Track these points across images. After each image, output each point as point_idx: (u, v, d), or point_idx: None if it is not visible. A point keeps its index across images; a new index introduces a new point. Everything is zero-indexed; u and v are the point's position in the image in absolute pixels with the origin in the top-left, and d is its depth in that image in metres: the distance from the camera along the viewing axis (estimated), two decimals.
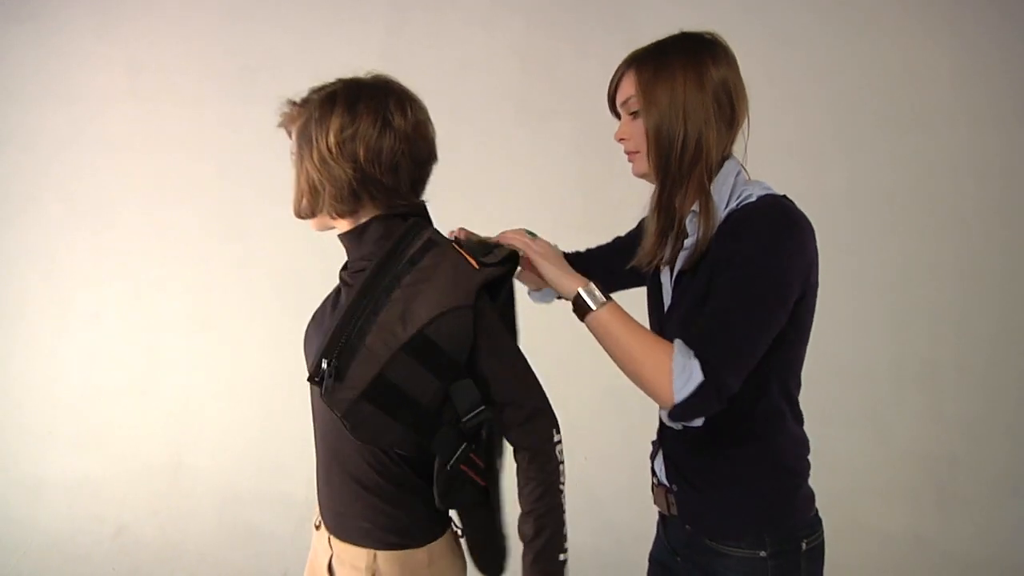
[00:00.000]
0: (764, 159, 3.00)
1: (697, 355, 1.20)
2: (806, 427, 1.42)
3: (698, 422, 1.25)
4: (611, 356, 1.30)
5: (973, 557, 2.91)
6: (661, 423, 1.48)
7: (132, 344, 3.23)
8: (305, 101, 1.34)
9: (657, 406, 1.30)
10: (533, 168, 3.09)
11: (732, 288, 1.23)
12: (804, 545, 1.37)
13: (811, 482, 1.43)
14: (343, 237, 1.39)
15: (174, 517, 3.13)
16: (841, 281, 3.01)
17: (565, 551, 1.29)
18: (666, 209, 1.36)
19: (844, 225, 3.00)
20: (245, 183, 3.18)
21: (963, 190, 2.97)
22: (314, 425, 1.42)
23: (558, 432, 1.33)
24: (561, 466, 1.32)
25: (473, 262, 1.30)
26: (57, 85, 3.25)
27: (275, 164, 3.12)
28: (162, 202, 3.22)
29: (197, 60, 3.22)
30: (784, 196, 1.33)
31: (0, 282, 3.28)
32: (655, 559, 1.57)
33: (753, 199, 1.29)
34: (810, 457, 1.41)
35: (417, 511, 1.35)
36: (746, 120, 1.40)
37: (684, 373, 1.19)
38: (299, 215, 1.37)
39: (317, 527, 1.48)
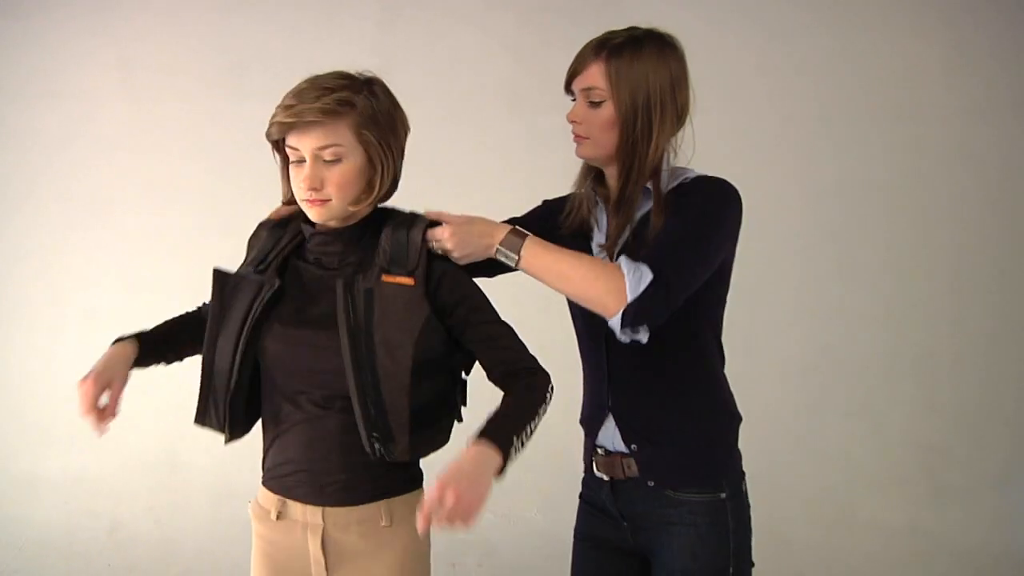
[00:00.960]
0: (756, 152, 3.02)
1: (646, 262, 1.30)
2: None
3: (644, 336, 1.31)
4: (555, 284, 1.38)
5: (967, 547, 2.92)
6: (602, 393, 1.54)
7: None
8: (362, 92, 1.36)
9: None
10: (525, 163, 3.09)
11: (681, 223, 1.36)
12: (744, 484, 1.52)
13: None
14: (343, 231, 1.42)
15: (170, 513, 3.13)
16: (834, 273, 3.02)
17: (524, 439, 1.34)
18: (629, 201, 1.44)
19: (837, 217, 3.01)
20: (239, 179, 3.17)
21: (956, 182, 2.98)
22: (276, 402, 1.45)
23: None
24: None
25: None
26: (50, 83, 3.24)
27: (269, 160, 3.13)
28: (156, 199, 3.22)
29: (190, 57, 3.21)
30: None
31: None
32: (585, 536, 1.63)
33: (690, 179, 1.44)
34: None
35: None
36: (690, 110, 1.51)
37: (636, 274, 1.28)
38: (354, 205, 1.39)
39: (279, 516, 1.45)
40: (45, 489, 3.19)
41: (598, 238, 1.53)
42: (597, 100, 1.43)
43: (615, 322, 1.30)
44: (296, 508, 1.44)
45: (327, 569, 1.43)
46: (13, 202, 3.26)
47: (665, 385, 1.48)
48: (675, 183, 1.44)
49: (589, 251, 1.51)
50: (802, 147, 3.02)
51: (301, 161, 1.36)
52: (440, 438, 1.46)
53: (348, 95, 1.33)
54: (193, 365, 3.29)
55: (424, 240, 1.40)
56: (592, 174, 1.56)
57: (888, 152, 2.99)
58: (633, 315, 1.28)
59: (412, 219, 1.44)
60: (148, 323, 3.35)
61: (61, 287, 3.26)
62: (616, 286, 1.29)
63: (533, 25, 3.09)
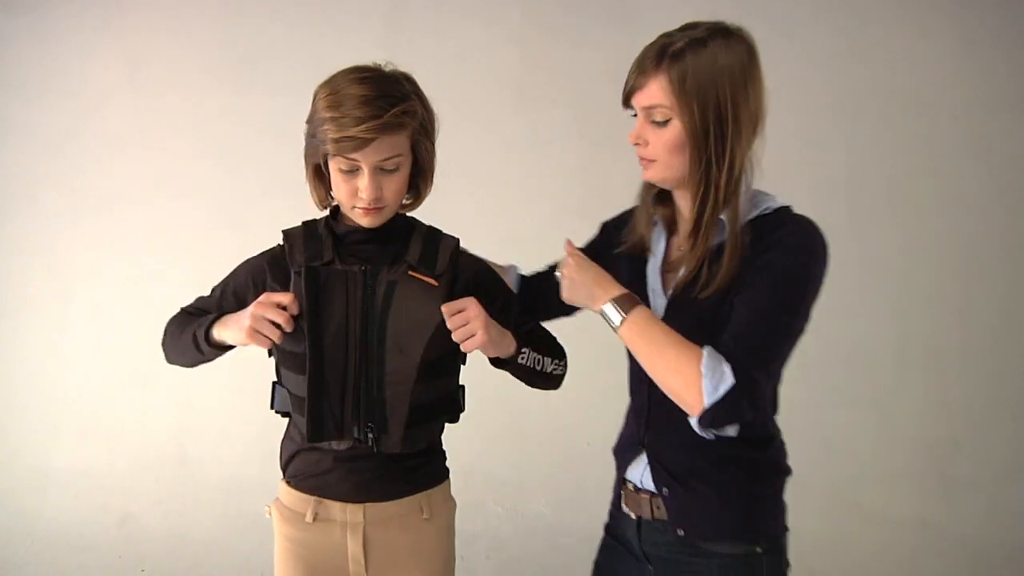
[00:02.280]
0: (765, 147, 3.00)
1: (728, 358, 1.17)
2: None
3: (731, 431, 1.23)
4: (641, 362, 1.27)
5: (977, 540, 2.92)
6: (639, 427, 1.41)
7: (135, 335, 3.24)
8: (417, 98, 1.36)
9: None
10: (532, 157, 3.08)
11: (767, 293, 1.20)
12: (787, 537, 1.38)
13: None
14: (379, 228, 1.41)
15: (179, 506, 3.14)
16: (843, 267, 2.99)
17: (533, 361, 1.45)
18: (705, 232, 1.27)
19: (846, 212, 3.00)
20: (245, 174, 3.18)
21: (964, 175, 2.97)
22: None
23: None
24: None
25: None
26: (57, 79, 3.25)
27: (275, 155, 3.13)
28: (163, 194, 3.22)
29: (196, 52, 3.21)
30: (791, 206, 1.32)
31: (2, 276, 3.28)
32: (605, 570, 1.51)
33: (771, 211, 1.28)
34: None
35: (441, 445, 1.54)
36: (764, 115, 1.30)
37: (715, 376, 1.16)
38: (401, 209, 1.44)
39: (315, 518, 1.46)
40: (55, 483, 3.21)
41: (654, 262, 1.39)
42: (661, 119, 1.24)
43: (693, 422, 1.20)
44: (335, 507, 1.44)
45: (366, 568, 1.44)
46: (20, 197, 3.27)
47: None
48: (755, 213, 1.27)
49: (643, 275, 1.39)
50: (810, 141, 3.01)
51: (354, 171, 1.32)
52: (432, 436, 1.48)
53: (410, 105, 1.31)
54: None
55: (455, 249, 1.43)
56: (655, 191, 1.39)
57: (896, 146, 2.98)
58: (711, 420, 1.18)
59: (441, 232, 1.47)
60: (154, 319, 3.35)
61: (68, 282, 3.27)
62: (694, 385, 1.17)
63: (540, 19, 3.08)
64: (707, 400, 1.16)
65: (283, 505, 1.51)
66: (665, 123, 1.24)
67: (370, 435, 1.36)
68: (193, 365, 1.54)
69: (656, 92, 1.23)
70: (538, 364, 1.45)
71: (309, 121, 1.36)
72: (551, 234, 3.03)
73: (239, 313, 1.38)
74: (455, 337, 1.33)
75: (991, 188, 2.96)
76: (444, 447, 1.55)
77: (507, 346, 1.39)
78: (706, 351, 1.18)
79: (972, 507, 2.96)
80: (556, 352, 1.51)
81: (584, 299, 1.34)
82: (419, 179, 1.42)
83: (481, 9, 3.11)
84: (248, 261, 1.50)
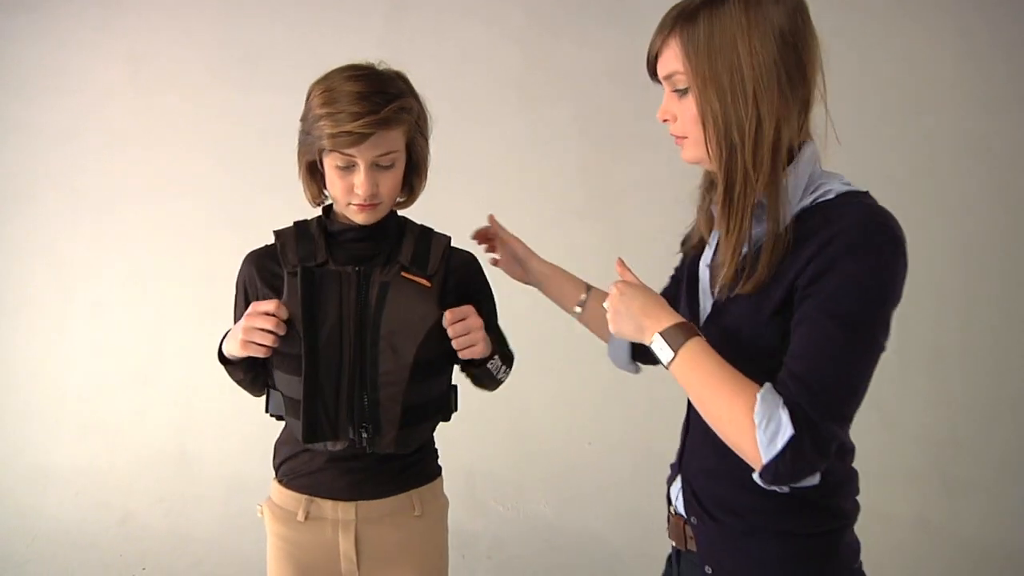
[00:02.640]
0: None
1: (786, 402, 0.98)
2: None
3: (811, 480, 1.01)
4: (694, 402, 1.10)
5: (978, 540, 2.92)
6: (681, 444, 1.27)
7: (136, 333, 3.24)
8: (411, 95, 1.38)
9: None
10: (534, 156, 3.08)
11: (829, 313, 0.99)
12: None
13: None
14: (373, 227, 1.42)
15: (180, 504, 3.15)
16: None
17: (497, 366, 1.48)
18: (735, 221, 1.07)
19: None
20: (246, 173, 3.18)
21: (965, 176, 2.97)
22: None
23: None
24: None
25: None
26: (57, 77, 3.25)
27: (276, 153, 3.12)
28: (164, 192, 3.22)
29: (197, 51, 3.21)
30: (866, 193, 1.11)
31: (3, 274, 3.28)
32: None
33: (831, 196, 1.08)
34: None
35: (433, 443, 1.56)
36: (821, 83, 1.12)
37: (770, 427, 0.97)
38: (395, 206, 1.46)
39: (307, 517, 1.45)
40: (56, 481, 3.21)
41: (706, 257, 1.22)
42: (682, 87, 1.09)
43: (756, 476, 1.01)
44: (326, 506, 1.45)
45: (358, 566, 1.45)
46: (21, 195, 3.27)
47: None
48: (807, 200, 1.08)
49: (697, 274, 1.24)
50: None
51: (350, 167, 1.33)
52: (424, 435, 1.49)
53: (406, 101, 1.33)
54: (201, 357, 3.31)
55: (447, 248, 1.45)
56: (710, 178, 1.22)
57: (897, 145, 2.97)
58: (773, 477, 0.99)
59: (433, 232, 1.49)
60: (156, 315, 3.34)
61: (69, 280, 3.27)
62: (749, 437, 0.99)
63: (541, 19, 3.08)
64: (764, 455, 0.97)
65: (275, 504, 1.51)
66: (686, 91, 1.08)
67: (364, 436, 1.37)
68: (252, 388, 1.52)
69: (671, 58, 1.08)
70: (496, 371, 1.47)
71: (303, 119, 1.36)
72: (552, 233, 3.04)
73: (236, 327, 1.39)
74: (455, 344, 1.35)
75: (992, 188, 2.95)
76: (441, 446, 1.57)
77: (486, 350, 1.41)
78: (760, 395, 0.99)
79: (973, 507, 2.96)
80: (508, 359, 1.54)
81: (632, 332, 1.15)
82: (413, 177, 1.43)
83: (482, 8, 3.10)
84: (239, 277, 1.51)
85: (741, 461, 1.03)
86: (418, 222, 1.50)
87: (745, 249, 1.08)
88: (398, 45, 3.07)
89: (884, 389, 3.02)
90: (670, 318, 1.11)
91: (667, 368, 1.10)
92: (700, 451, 1.19)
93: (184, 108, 3.21)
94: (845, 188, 1.10)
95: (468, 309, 1.37)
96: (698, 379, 1.06)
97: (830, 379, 0.98)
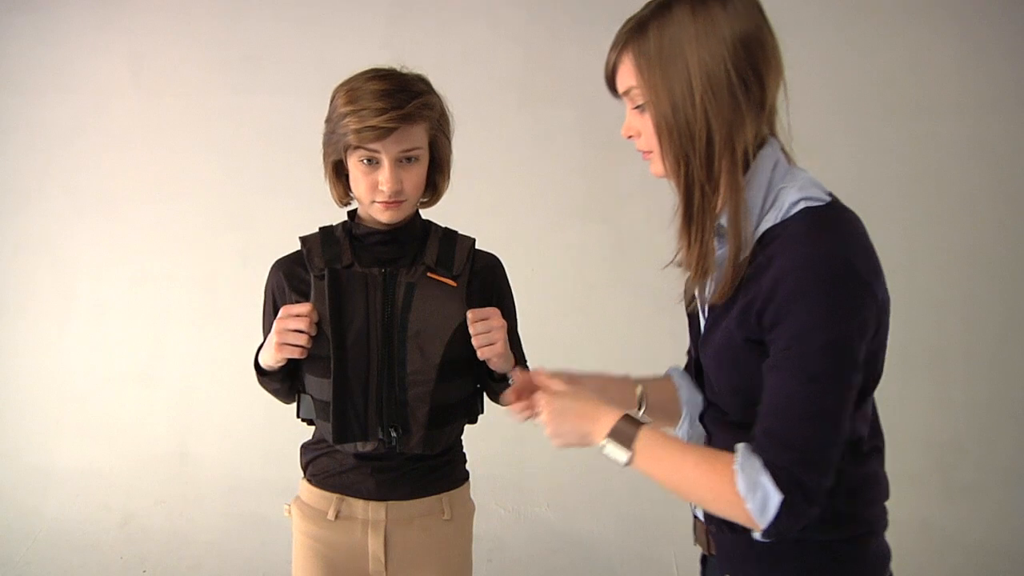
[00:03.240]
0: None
1: (766, 464, 0.96)
2: None
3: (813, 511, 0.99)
4: (673, 492, 1.06)
5: (979, 543, 2.91)
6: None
7: (137, 334, 3.24)
8: (433, 94, 1.41)
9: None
10: (536, 157, 3.08)
11: (790, 363, 0.97)
12: None
13: None
14: (399, 229, 1.43)
15: (180, 506, 3.14)
16: None
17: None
18: (699, 228, 1.04)
19: None
20: (248, 173, 3.18)
21: (968, 177, 2.96)
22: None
23: None
24: None
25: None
26: (59, 76, 3.25)
27: (278, 154, 3.14)
28: (165, 193, 3.22)
29: (199, 51, 3.21)
30: (829, 201, 1.04)
31: (4, 274, 3.28)
32: None
33: (795, 213, 1.01)
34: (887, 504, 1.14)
35: (461, 447, 1.57)
36: (782, 85, 1.10)
37: (756, 496, 0.95)
38: (420, 206, 1.48)
39: (337, 516, 1.46)
40: (56, 482, 3.21)
41: (708, 291, 1.14)
42: (640, 102, 1.07)
43: (757, 536, 1.00)
44: (357, 505, 1.46)
45: (386, 566, 1.45)
46: (22, 195, 3.27)
47: None
48: (772, 217, 1.03)
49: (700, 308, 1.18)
50: (814, 142, 3.00)
51: (373, 163, 1.35)
52: (452, 436, 1.49)
53: (429, 99, 1.36)
54: (202, 358, 3.31)
55: (471, 249, 1.46)
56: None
57: (901, 147, 2.97)
58: (777, 536, 0.98)
59: (457, 233, 1.50)
60: (158, 316, 3.35)
61: (70, 280, 3.27)
62: (739, 508, 0.97)
63: (544, 20, 3.08)
64: (761, 523, 0.96)
65: (304, 503, 1.51)
66: (644, 106, 1.06)
67: (393, 436, 1.38)
68: (288, 398, 1.52)
69: (626, 73, 1.07)
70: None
71: (328, 120, 1.39)
72: (554, 234, 3.04)
73: (270, 335, 1.40)
74: (475, 342, 1.36)
75: (996, 190, 2.95)
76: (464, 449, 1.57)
77: (509, 363, 1.41)
78: (738, 466, 0.97)
79: (975, 511, 2.95)
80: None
81: (577, 441, 1.10)
82: (436, 175, 1.45)
83: (485, 9, 3.10)
84: (267, 285, 1.51)
85: None
86: (442, 225, 1.51)
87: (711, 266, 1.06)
88: (401, 46, 3.07)
89: (886, 391, 3.00)
90: (610, 415, 1.07)
91: (628, 465, 1.05)
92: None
93: (185, 108, 3.21)
94: (804, 201, 1.02)
95: (492, 311, 1.38)
96: (665, 469, 1.03)
97: (805, 436, 0.96)
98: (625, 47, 1.07)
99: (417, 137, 1.35)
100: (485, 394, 1.53)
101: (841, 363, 0.96)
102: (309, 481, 1.52)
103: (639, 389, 1.25)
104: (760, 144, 1.07)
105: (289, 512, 1.54)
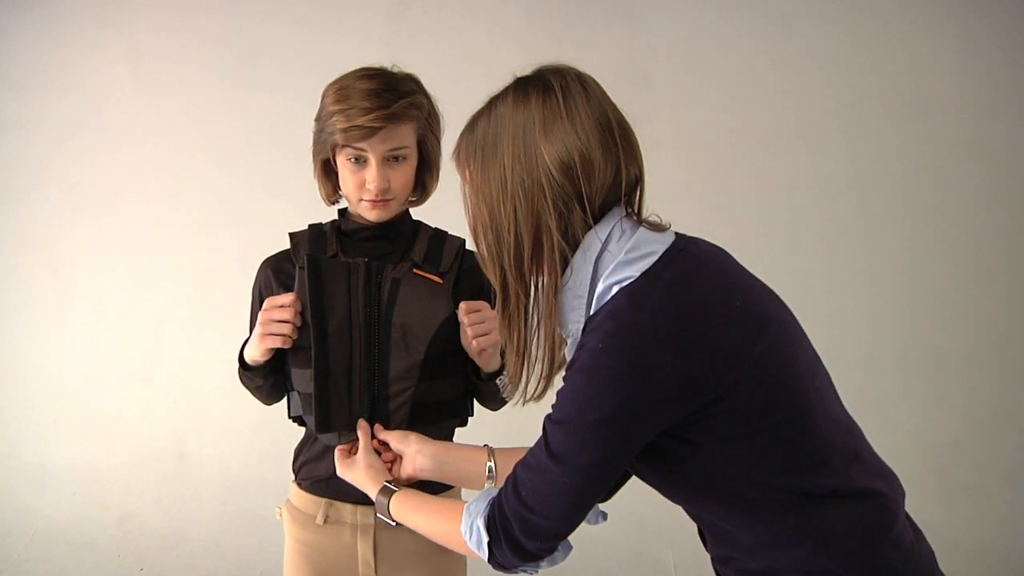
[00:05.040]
0: (769, 147, 3.00)
1: (491, 504, 1.04)
2: None
3: (559, 557, 1.06)
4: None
5: (976, 544, 2.91)
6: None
7: (134, 333, 3.24)
8: (422, 94, 1.42)
9: None
10: None
11: (544, 434, 0.99)
12: None
13: None
14: (387, 225, 1.43)
15: (178, 504, 3.14)
16: (846, 269, 3.01)
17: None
18: (518, 328, 1.04)
19: (849, 214, 3.00)
20: (247, 171, 3.17)
21: (967, 178, 2.96)
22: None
23: None
24: None
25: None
26: (58, 73, 3.24)
27: (276, 152, 3.13)
28: (164, 190, 3.22)
29: (198, 48, 3.20)
30: (644, 272, 0.95)
31: (2, 271, 3.28)
32: None
33: (608, 299, 0.96)
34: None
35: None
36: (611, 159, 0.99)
37: (473, 534, 1.04)
38: (407, 204, 1.47)
39: (326, 520, 1.46)
40: (53, 480, 3.20)
41: None
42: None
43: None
44: (345, 510, 1.45)
45: (375, 570, 1.45)
46: (20, 192, 3.26)
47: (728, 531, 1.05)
48: (596, 305, 0.98)
49: None
50: (815, 143, 3.01)
51: (360, 162, 1.35)
52: (439, 437, 1.46)
53: (418, 99, 1.35)
54: (200, 356, 3.30)
55: (460, 248, 1.45)
56: None
57: (901, 148, 2.97)
58: (501, 568, 1.05)
59: (447, 233, 1.49)
60: (156, 314, 3.34)
61: (68, 278, 3.26)
62: (465, 547, 1.07)
63: (542, 19, 3.07)
64: (482, 555, 1.04)
65: (293, 507, 1.51)
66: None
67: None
68: (269, 397, 1.52)
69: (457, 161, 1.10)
70: (503, 388, 1.45)
71: (317, 118, 1.39)
72: None
73: (255, 329, 1.39)
74: (470, 332, 1.35)
75: (995, 191, 2.95)
76: None
77: (498, 359, 1.41)
78: (465, 509, 1.08)
79: (971, 510, 2.96)
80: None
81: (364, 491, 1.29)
82: (425, 174, 1.44)
83: (484, 8, 3.10)
84: (255, 283, 1.50)
85: (737, 541, 1.02)
86: (432, 225, 1.50)
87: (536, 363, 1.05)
88: (399, 44, 3.07)
89: (884, 393, 3.03)
90: (371, 489, 1.25)
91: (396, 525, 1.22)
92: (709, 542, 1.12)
93: (184, 106, 3.20)
94: (615, 286, 0.96)
95: (483, 304, 1.37)
96: (418, 524, 1.18)
97: (528, 490, 0.99)
98: (461, 137, 1.07)
99: (404, 136, 1.35)
100: (476, 400, 1.52)
101: (584, 443, 0.94)
102: (299, 485, 1.51)
103: (489, 463, 1.28)
104: (582, 236, 0.99)
105: (280, 515, 1.53)
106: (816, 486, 0.97)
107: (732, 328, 0.93)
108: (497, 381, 1.44)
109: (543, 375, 1.04)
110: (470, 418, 1.53)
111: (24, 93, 3.25)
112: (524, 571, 1.08)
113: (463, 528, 1.06)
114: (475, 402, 1.52)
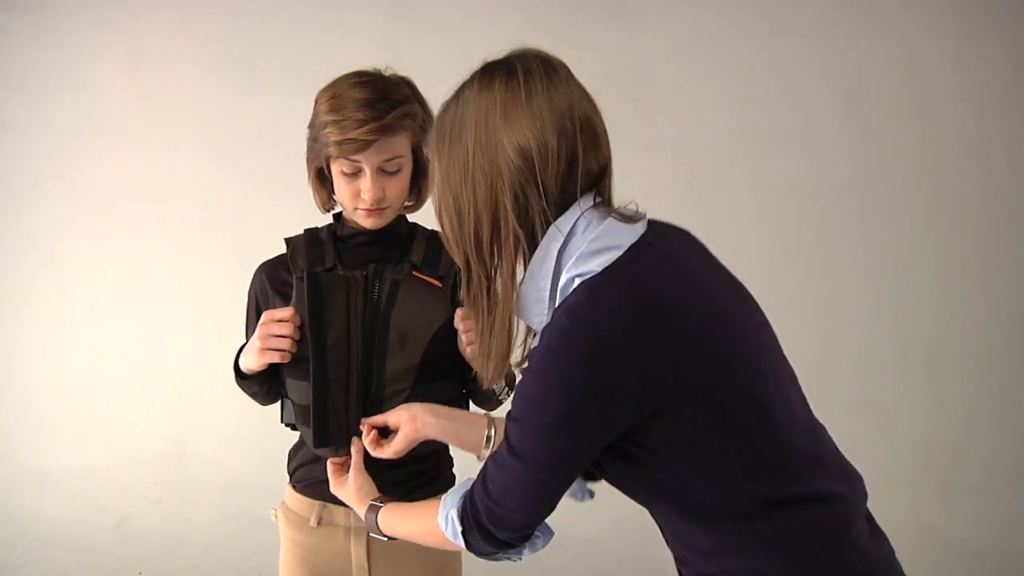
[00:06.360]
0: (768, 148, 3.00)
1: (464, 496, 1.07)
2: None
3: (534, 546, 1.11)
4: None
5: (975, 544, 2.91)
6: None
7: (133, 334, 3.23)
8: (416, 100, 1.40)
9: None
10: None
11: (506, 431, 0.99)
12: None
13: None
14: (383, 231, 1.42)
15: (177, 507, 3.13)
16: (844, 268, 3.01)
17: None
18: (484, 311, 1.04)
19: (849, 213, 3.00)
20: (246, 173, 3.17)
21: (967, 178, 2.96)
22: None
23: None
24: None
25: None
26: (57, 75, 3.24)
27: (275, 153, 3.12)
28: (162, 192, 3.22)
29: (197, 50, 3.20)
30: (608, 266, 0.94)
31: (1, 273, 3.27)
32: None
33: (570, 291, 0.95)
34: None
35: (447, 450, 1.54)
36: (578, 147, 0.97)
37: (449, 526, 1.09)
38: (403, 211, 1.45)
39: (319, 522, 1.46)
40: (52, 483, 3.20)
41: None
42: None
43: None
44: (339, 512, 1.45)
45: (369, 573, 1.45)
46: (19, 193, 3.26)
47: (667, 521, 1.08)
48: (558, 300, 0.98)
49: None
50: (815, 143, 3.01)
51: (356, 173, 1.34)
52: (433, 441, 1.46)
53: (411, 107, 1.34)
54: (198, 359, 3.30)
55: None
56: None
57: (901, 148, 2.97)
58: (479, 555, 1.10)
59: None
60: (154, 316, 3.33)
61: (67, 279, 3.26)
62: (448, 543, 1.11)
63: (542, 19, 3.07)
64: (460, 544, 1.09)
65: (288, 509, 1.51)
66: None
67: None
68: (266, 400, 1.52)
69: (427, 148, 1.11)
70: (500, 391, 1.47)
71: (311, 126, 1.37)
72: None
73: (252, 339, 1.38)
74: (465, 339, 1.35)
75: (994, 191, 2.95)
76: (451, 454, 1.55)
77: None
78: (442, 504, 1.11)
79: (970, 511, 2.95)
80: (511, 380, 1.49)
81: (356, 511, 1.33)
82: (420, 181, 1.43)
83: (484, 9, 3.10)
84: (251, 288, 1.50)
85: (692, 544, 1.02)
86: (428, 227, 1.49)
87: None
88: (398, 45, 3.07)
89: (883, 393, 3.03)
90: (360, 508, 1.29)
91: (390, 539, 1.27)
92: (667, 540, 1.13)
93: (183, 107, 3.20)
94: (577, 278, 0.95)
95: None
96: (405, 532, 1.22)
97: (493, 484, 1.02)
98: (433, 123, 1.08)
99: (399, 147, 1.33)
100: (472, 401, 1.52)
101: (539, 441, 0.95)
102: (294, 487, 1.51)
103: (488, 431, 1.30)
104: (551, 222, 0.97)
105: (276, 516, 1.54)
106: (774, 492, 0.97)
107: (694, 329, 0.92)
108: (495, 385, 1.43)
109: (497, 358, 1.04)
110: None
111: (23, 94, 3.25)
112: (507, 558, 1.11)
113: (440, 519, 1.10)
114: (472, 404, 1.52)
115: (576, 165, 0.96)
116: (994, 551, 2.90)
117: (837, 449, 1.10)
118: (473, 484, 1.07)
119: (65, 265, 3.26)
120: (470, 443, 1.30)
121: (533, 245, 0.97)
